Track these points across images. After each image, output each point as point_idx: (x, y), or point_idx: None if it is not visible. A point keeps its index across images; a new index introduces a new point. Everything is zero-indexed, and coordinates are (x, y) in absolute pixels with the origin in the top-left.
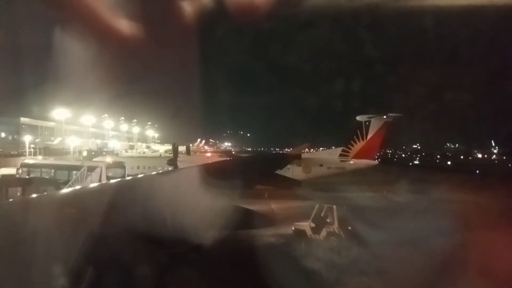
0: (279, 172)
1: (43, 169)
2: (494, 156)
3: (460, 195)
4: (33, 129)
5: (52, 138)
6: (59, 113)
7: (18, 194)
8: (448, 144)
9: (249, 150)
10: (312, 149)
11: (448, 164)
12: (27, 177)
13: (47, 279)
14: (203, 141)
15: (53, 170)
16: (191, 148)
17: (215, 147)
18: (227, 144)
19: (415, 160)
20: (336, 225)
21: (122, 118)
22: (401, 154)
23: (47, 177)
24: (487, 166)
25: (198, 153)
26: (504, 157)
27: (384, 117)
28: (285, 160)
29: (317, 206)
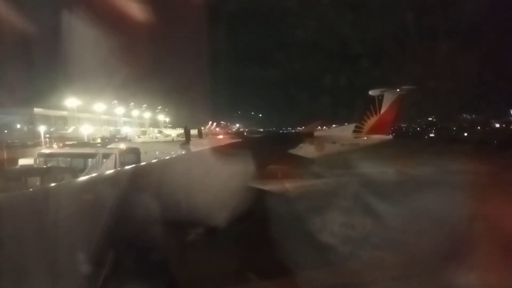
0: (291, 151)
1: (59, 158)
2: None
3: (477, 166)
4: (46, 119)
5: (66, 127)
6: (71, 102)
7: (37, 183)
8: (464, 115)
9: (261, 131)
10: (324, 127)
11: (465, 136)
12: (44, 166)
13: (70, 263)
14: (215, 123)
15: (69, 159)
16: (203, 131)
17: (227, 128)
18: (238, 125)
19: (431, 133)
20: None
21: (132, 103)
22: (416, 128)
23: (64, 165)
24: (505, 136)
25: (210, 135)
26: None
27: (398, 90)
28: (297, 139)
29: None
